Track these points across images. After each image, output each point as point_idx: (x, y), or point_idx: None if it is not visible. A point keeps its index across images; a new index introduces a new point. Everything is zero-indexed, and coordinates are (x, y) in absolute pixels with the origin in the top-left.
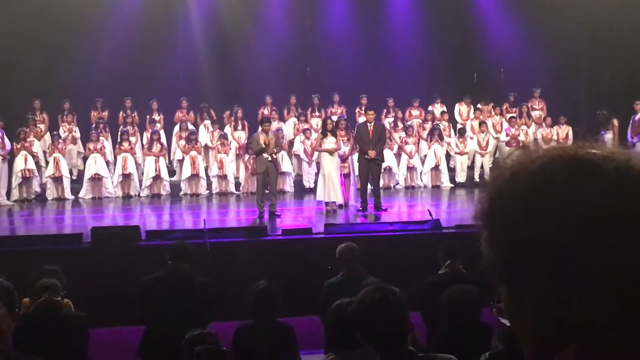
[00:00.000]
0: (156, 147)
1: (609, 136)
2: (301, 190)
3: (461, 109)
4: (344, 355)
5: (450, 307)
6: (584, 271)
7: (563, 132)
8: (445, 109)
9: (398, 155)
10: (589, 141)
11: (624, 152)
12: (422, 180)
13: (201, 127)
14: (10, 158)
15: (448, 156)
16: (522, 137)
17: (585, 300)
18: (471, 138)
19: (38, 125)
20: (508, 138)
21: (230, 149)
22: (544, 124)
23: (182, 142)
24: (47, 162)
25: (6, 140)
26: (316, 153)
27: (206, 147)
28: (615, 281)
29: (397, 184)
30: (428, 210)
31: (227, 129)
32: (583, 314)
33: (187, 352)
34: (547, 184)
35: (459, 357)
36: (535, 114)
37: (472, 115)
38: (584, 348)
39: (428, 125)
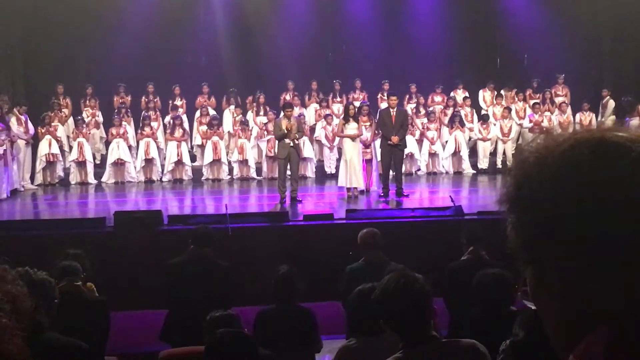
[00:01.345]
0: (178, 132)
1: (634, 122)
2: (322, 176)
3: (485, 95)
4: (366, 340)
5: (483, 291)
6: (612, 254)
7: (586, 118)
8: (467, 95)
9: (420, 141)
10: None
11: None
12: (443, 166)
13: (226, 112)
14: (34, 142)
15: (470, 142)
16: (545, 124)
17: (613, 283)
18: (494, 124)
19: (62, 109)
20: (531, 124)
21: (252, 134)
22: (560, 110)
23: (203, 128)
24: (70, 147)
25: (30, 125)
26: (338, 139)
27: (230, 133)
28: None
29: (419, 169)
30: (450, 196)
31: (249, 115)
32: (611, 298)
33: (209, 334)
34: (575, 167)
35: (487, 343)
36: (558, 100)
37: (495, 102)
38: (612, 331)
39: (450, 111)
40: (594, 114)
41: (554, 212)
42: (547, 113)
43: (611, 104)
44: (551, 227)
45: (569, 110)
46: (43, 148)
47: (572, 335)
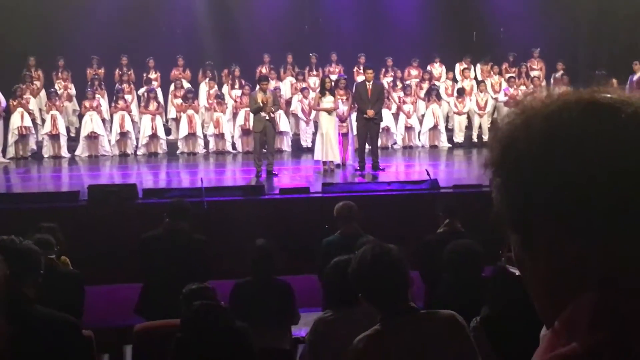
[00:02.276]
0: (153, 106)
1: None
2: (298, 150)
3: (461, 69)
4: (343, 312)
5: (453, 261)
6: (601, 219)
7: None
8: (444, 69)
9: (396, 115)
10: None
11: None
12: (420, 140)
13: (202, 85)
14: (6, 115)
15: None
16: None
17: (601, 248)
18: (469, 98)
19: (34, 82)
20: (506, 98)
21: (227, 107)
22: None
23: (178, 101)
24: (43, 120)
25: (1, 98)
26: (314, 112)
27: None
28: (633, 229)
29: (395, 143)
30: (426, 170)
31: (225, 88)
32: (598, 263)
33: (185, 306)
34: (564, 128)
35: (460, 312)
36: (534, 74)
37: (471, 75)
38: (597, 296)
39: (425, 85)
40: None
41: (541, 175)
42: (523, 87)
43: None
44: (538, 191)
45: (543, 84)
46: (15, 121)
47: (557, 301)
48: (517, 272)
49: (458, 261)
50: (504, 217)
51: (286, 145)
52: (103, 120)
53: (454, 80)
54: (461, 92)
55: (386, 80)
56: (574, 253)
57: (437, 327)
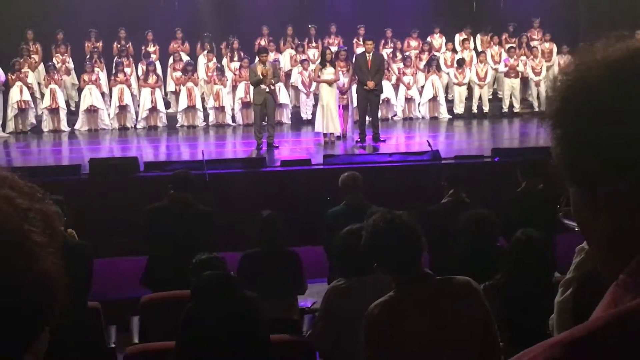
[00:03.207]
0: (152, 79)
1: None
2: (299, 122)
3: (461, 39)
4: (355, 280)
5: (468, 230)
6: None
7: (565, 62)
8: (444, 40)
9: (396, 87)
10: None
11: None
12: (420, 111)
13: (201, 58)
14: (5, 89)
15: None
16: (520, 68)
17: None
18: (469, 69)
19: (32, 55)
20: (507, 69)
21: (227, 80)
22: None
23: (177, 74)
24: (42, 94)
25: (0, 71)
26: (314, 84)
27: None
28: None
29: (395, 115)
30: (427, 141)
31: (224, 61)
32: None
33: (195, 276)
34: (629, 76)
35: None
36: (534, 44)
37: (471, 46)
38: None
39: (425, 56)
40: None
41: (604, 128)
42: (523, 57)
43: None
44: (601, 144)
45: (539, 54)
46: (14, 95)
47: (619, 256)
48: (575, 226)
49: (472, 230)
50: (563, 170)
51: (286, 117)
52: (102, 93)
53: (454, 51)
54: (461, 63)
55: (386, 52)
56: (637, 209)
57: (452, 292)
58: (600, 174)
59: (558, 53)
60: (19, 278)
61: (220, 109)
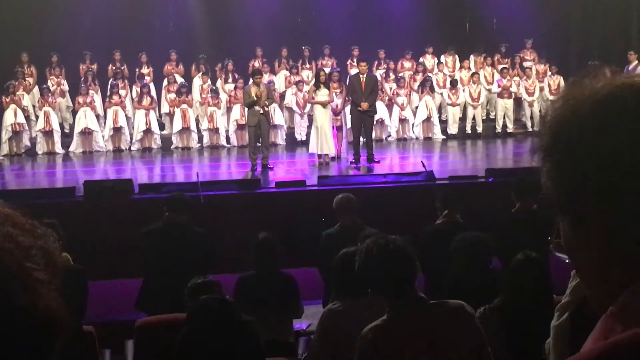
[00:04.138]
0: (146, 101)
1: None
2: (293, 143)
3: (447, 60)
4: (351, 303)
5: (464, 252)
6: None
7: (554, 82)
8: (438, 61)
9: (389, 107)
10: None
11: None
12: (414, 132)
13: (196, 79)
14: None
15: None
16: (513, 89)
17: None
18: (462, 90)
19: (27, 78)
20: (499, 89)
21: (221, 101)
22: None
23: (171, 96)
24: (36, 116)
25: None
26: (308, 105)
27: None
28: None
29: (389, 135)
30: (421, 161)
31: (218, 82)
32: None
33: (191, 301)
34: (617, 113)
35: (468, 303)
36: (527, 64)
37: (457, 66)
38: None
39: (419, 77)
40: (561, 77)
41: (594, 161)
42: (516, 78)
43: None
44: (591, 176)
45: (533, 74)
46: (8, 118)
47: (610, 287)
48: (567, 259)
49: (467, 252)
50: (554, 202)
51: (281, 138)
52: (97, 116)
53: (447, 66)
54: (455, 84)
55: (379, 73)
56: (628, 239)
57: (445, 316)
58: (590, 207)
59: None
60: (22, 315)
61: (215, 131)
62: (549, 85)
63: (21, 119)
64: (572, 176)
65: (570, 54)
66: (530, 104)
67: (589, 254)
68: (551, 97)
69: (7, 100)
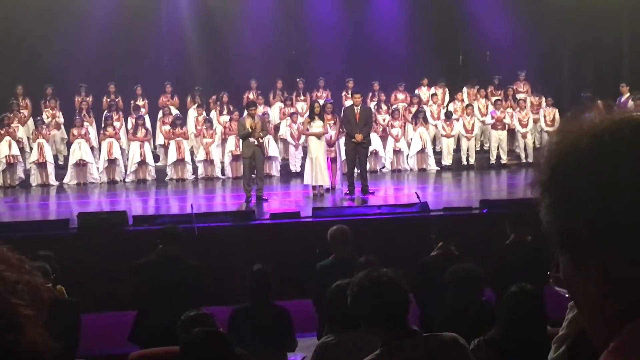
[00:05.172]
0: (141, 132)
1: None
2: (288, 175)
3: (437, 92)
4: (345, 336)
5: (454, 285)
6: None
7: (550, 114)
8: (433, 92)
9: (384, 138)
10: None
11: None
12: (408, 163)
13: (191, 111)
14: None
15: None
16: (507, 120)
17: None
18: (456, 120)
19: (21, 110)
20: (493, 121)
21: (216, 133)
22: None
23: (166, 127)
24: (31, 148)
25: None
26: (303, 137)
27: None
28: None
29: (384, 167)
30: (416, 193)
31: (213, 114)
32: None
33: (184, 333)
34: (616, 148)
35: (460, 335)
36: (520, 96)
37: (447, 99)
38: None
39: (414, 109)
40: (556, 110)
41: (593, 197)
42: (509, 109)
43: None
44: (590, 213)
45: (528, 106)
46: (3, 149)
47: (610, 323)
48: (566, 294)
49: (459, 284)
50: (553, 238)
51: (275, 170)
52: (91, 147)
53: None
54: (449, 115)
55: (372, 104)
56: (628, 274)
57: (439, 349)
58: (590, 242)
59: (540, 106)
60: (7, 351)
61: (209, 162)
62: (545, 117)
63: (15, 151)
64: (570, 211)
65: (563, 85)
66: (524, 136)
67: (589, 289)
68: (547, 129)
69: (2, 132)
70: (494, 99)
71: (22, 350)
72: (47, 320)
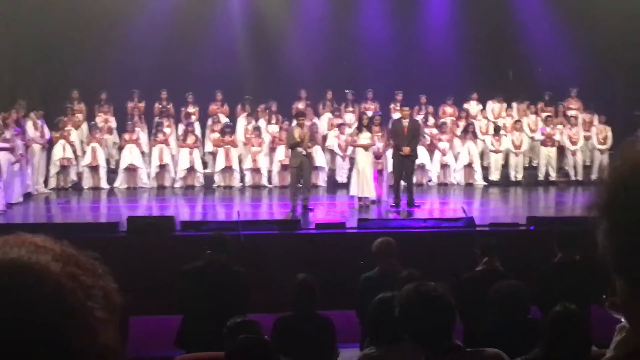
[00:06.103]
0: (190, 139)
1: None
2: (334, 185)
3: (493, 107)
4: (387, 349)
5: (499, 301)
6: None
7: (602, 132)
8: (482, 107)
9: (430, 152)
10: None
11: None
12: (455, 177)
13: (241, 119)
14: (49, 147)
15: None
16: (557, 137)
17: None
18: (505, 135)
19: (76, 114)
20: (543, 137)
21: (264, 142)
22: (570, 124)
23: (214, 135)
24: (84, 152)
25: (46, 129)
26: (350, 148)
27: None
28: None
29: (430, 180)
30: (462, 207)
31: (262, 122)
32: None
33: (229, 339)
34: None
35: (505, 353)
36: (571, 113)
37: (504, 114)
38: None
39: (462, 123)
40: (609, 128)
41: None
42: (560, 126)
43: None
44: None
45: (579, 123)
46: (57, 152)
47: None
48: (622, 318)
49: (505, 301)
50: (609, 261)
51: (322, 180)
52: (142, 153)
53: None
54: (498, 130)
55: (419, 117)
56: None
57: None
58: None
59: (592, 124)
60: (82, 352)
61: (257, 171)
62: (597, 135)
63: (69, 154)
64: (628, 235)
65: (615, 103)
66: (574, 153)
67: None
68: (599, 147)
69: (57, 135)
70: (544, 115)
71: (95, 353)
72: (118, 322)
